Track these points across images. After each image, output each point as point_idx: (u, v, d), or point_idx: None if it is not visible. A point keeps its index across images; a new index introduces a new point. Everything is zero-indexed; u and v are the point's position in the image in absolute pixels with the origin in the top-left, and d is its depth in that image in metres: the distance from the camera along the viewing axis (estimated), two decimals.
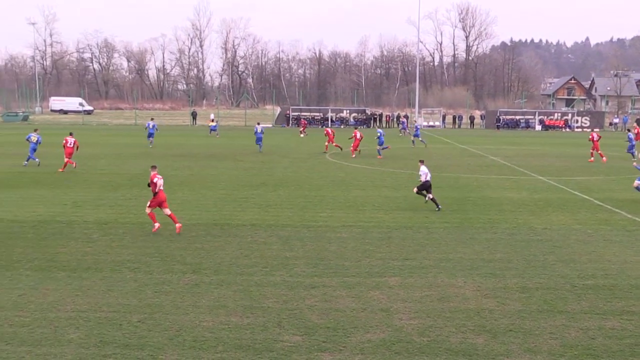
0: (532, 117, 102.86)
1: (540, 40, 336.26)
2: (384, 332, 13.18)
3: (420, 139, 59.89)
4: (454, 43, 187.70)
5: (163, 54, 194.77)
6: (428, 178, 27.24)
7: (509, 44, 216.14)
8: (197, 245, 20.16)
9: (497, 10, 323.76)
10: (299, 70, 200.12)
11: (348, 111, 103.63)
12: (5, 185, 32.54)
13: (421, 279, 16.84)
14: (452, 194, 30.65)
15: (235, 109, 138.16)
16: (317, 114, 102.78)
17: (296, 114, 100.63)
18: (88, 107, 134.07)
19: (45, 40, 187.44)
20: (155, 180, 22.19)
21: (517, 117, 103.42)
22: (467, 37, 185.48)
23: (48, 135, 68.74)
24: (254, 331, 13.14)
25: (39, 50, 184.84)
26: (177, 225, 22.08)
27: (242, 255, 19.05)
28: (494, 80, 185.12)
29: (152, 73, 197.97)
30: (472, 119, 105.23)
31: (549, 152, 57.46)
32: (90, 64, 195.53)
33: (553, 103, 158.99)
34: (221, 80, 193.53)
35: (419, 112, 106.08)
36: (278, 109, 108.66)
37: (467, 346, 12.54)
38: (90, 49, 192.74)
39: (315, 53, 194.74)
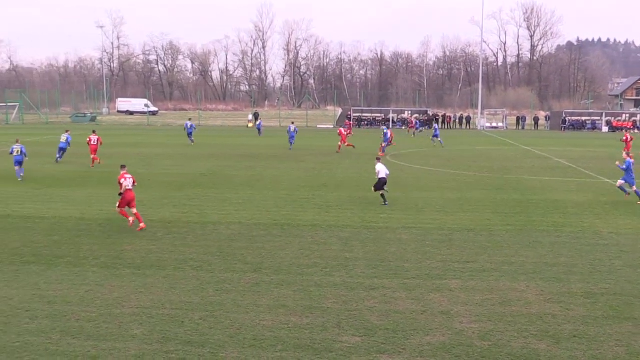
0: (598, 118, 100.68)
1: (608, 40, 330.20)
2: (444, 336, 13.10)
3: (439, 139, 59.82)
4: (518, 43, 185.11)
5: (226, 55, 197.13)
6: (383, 175, 28.11)
7: (575, 43, 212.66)
8: (258, 245, 20.32)
9: (563, 9, 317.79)
10: (361, 71, 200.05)
11: (409, 112, 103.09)
12: (74, 184, 33.29)
13: (482, 282, 16.68)
14: (515, 196, 30.27)
15: (297, 110, 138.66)
16: (379, 115, 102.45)
17: (357, 114, 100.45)
18: (153, 108, 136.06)
19: (112, 43, 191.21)
20: (122, 180, 22.72)
21: (583, 118, 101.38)
22: (531, 36, 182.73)
23: (115, 137, 70.06)
24: (314, 331, 13.19)
25: (107, 53, 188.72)
26: (141, 225, 22.57)
27: (302, 255, 19.14)
28: (559, 80, 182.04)
29: (215, 74, 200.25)
30: (536, 120, 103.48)
31: (616, 154, 56.28)
32: (156, 66, 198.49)
33: (621, 104, 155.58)
34: (283, 81, 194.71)
35: (482, 113, 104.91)
36: (339, 110, 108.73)
37: (529, 352, 12.37)
38: (156, 51, 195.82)
39: (377, 54, 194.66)
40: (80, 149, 53.18)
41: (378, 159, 29.50)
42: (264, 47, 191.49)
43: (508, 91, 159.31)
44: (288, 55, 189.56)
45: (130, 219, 22.94)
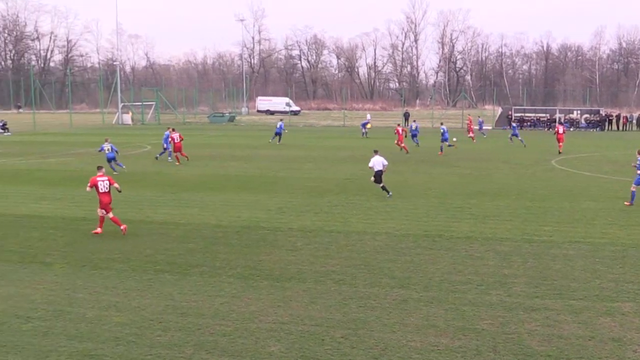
0: None
1: None
2: None
3: (448, 143, 58.11)
4: None
5: (375, 50, 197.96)
6: (380, 168, 31.60)
7: None
8: (406, 258, 20.27)
9: None
10: (524, 66, 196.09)
11: (579, 112, 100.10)
12: (209, 189, 34.33)
13: None
14: None
15: (452, 110, 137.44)
16: (543, 114, 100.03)
17: (519, 114, 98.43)
18: (295, 108, 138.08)
19: (253, 38, 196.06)
20: (97, 182, 23.41)
21: None
22: None
23: (254, 138, 71.62)
24: (466, 355, 13.03)
25: (247, 48, 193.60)
26: (122, 227, 23.40)
27: (454, 270, 18.95)
28: None
29: (362, 71, 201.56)
30: None
31: None
32: (299, 62, 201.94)
33: None
34: (436, 77, 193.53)
35: None
36: (499, 110, 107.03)
37: None
38: (299, 46, 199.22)
39: (542, 47, 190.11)
40: (221, 150, 54.78)
41: (376, 152, 32.50)
42: (416, 40, 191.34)
43: None
44: (442, 48, 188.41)
45: (123, 226, 23.50)
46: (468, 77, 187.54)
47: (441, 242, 22.37)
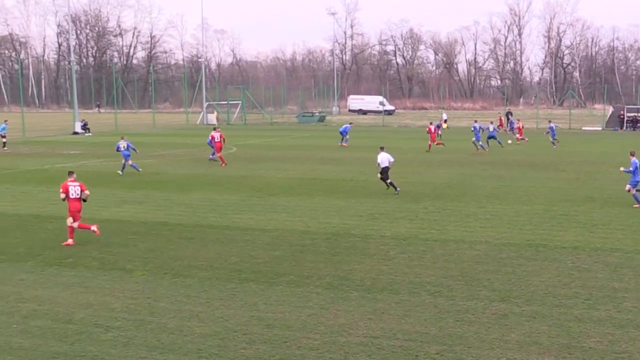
0: None
1: None
2: None
3: (481, 143, 58.87)
4: None
5: (475, 44, 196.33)
6: (386, 164, 33.96)
7: None
8: (507, 269, 20.05)
9: None
10: (638, 62, 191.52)
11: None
12: (297, 193, 34.56)
13: None
14: None
15: (558, 109, 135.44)
16: None
17: (632, 114, 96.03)
18: (389, 107, 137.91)
19: (345, 32, 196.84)
20: (68, 188, 23.34)
21: None
22: None
23: (349, 138, 71.71)
24: None
25: (339, 44, 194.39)
26: (93, 227, 23.72)
27: (560, 283, 18.66)
28: None
29: (461, 67, 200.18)
30: None
31: None
32: (393, 58, 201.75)
33: None
34: (542, 74, 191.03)
35: None
36: (610, 109, 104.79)
37: None
38: (394, 41, 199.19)
39: None
40: (291, 153, 55.11)
41: (382, 148, 35.07)
42: (519, 34, 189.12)
43: None
44: (549, 43, 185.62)
45: (94, 227, 23.74)
46: (576, 74, 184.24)
47: (545, 253, 22.06)
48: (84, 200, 23.97)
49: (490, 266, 20.42)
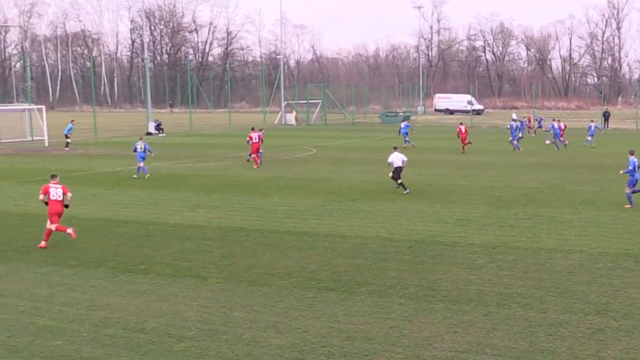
0: None
1: None
2: None
3: (516, 144, 59.91)
4: None
5: (570, 39, 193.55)
6: (399, 164, 35.56)
7: None
8: (604, 281, 19.74)
9: None
10: None
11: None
12: (380, 197, 34.52)
13: None
14: None
15: None
16: None
17: None
18: (478, 106, 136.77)
19: (431, 27, 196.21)
20: (49, 189, 24.19)
21: None
22: None
23: (429, 140, 71.45)
24: None
25: (424, 39, 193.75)
26: (69, 230, 24.29)
27: None
28: None
29: (555, 64, 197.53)
30: None
31: None
32: (482, 54, 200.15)
33: None
34: None
35: None
36: None
37: None
38: (483, 36, 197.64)
39: None
40: (373, 155, 55.01)
41: (395, 148, 37.01)
42: (618, 28, 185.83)
43: None
44: None
45: (70, 229, 24.31)
46: None
47: None
48: (66, 206, 24.74)
49: (585, 277, 20.13)
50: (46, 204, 24.39)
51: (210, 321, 16.51)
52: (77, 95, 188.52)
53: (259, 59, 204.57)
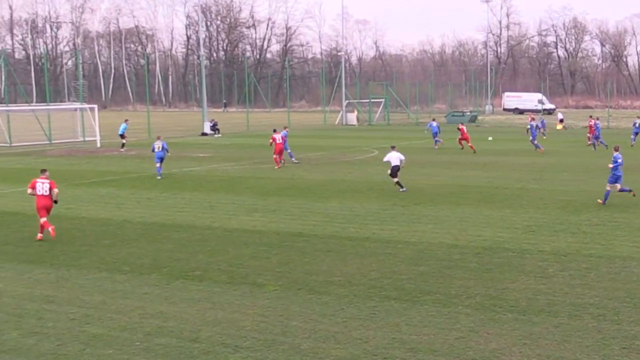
0: None
1: None
2: None
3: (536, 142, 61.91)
4: None
5: None
6: (397, 163, 37.53)
7: None
8: None
9: None
10: None
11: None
12: (445, 201, 34.40)
13: None
14: None
15: None
16: None
17: None
18: (549, 105, 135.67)
19: (500, 22, 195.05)
20: (35, 184, 26.32)
21: None
22: None
23: (498, 142, 71.07)
24: None
25: (493, 35, 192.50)
26: (50, 228, 26.11)
27: None
28: None
29: (632, 60, 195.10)
30: None
31: None
32: (554, 50, 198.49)
33: None
34: None
35: None
36: None
37: None
38: (555, 31, 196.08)
39: None
40: (437, 157, 54.83)
41: (392, 147, 39.08)
42: None
43: None
44: None
45: (51, 227, 26.14)
46: None
47: None
48: (55, 202, 26.76)
49: None
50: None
51: (267, 330, 16.58)
52: (130, 93, 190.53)
53: (319, 56, 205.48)
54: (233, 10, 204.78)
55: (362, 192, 37.56)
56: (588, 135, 67.32)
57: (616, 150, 32.38)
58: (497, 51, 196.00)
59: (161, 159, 44.01)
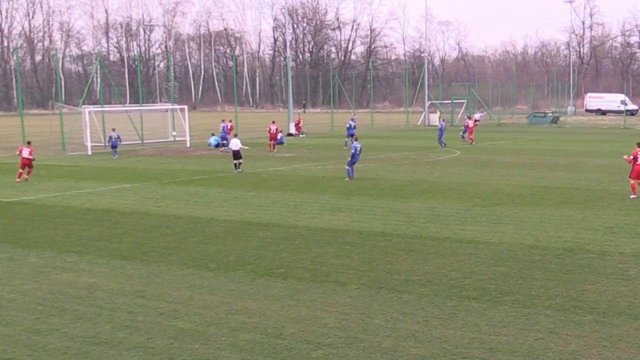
0: None
1: None
2: None
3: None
4: None
5: None
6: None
7: None
8: None
9: None
10: None
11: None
12: (526, 202, 34.02)
13: None
14: None
15: None
16: None
17: None
18: (632, 106, 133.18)
19: (583, 22, 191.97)
20: (22, 150, 43.31)
21: None
22: None
23: (579, 142, 70.21)
24: None
25: (576, 35, 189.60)
26: (26, 176, 43.66)
27: None
28: None
29: None
30: None
31: None
32: (638, 51, 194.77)
33: None
34: None
35: None
36: None
37: None
38: (639, 31, 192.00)
39: None
40: (520, 158, 54.25)
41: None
42: None
43: None
44: None
45: (19, 180, 42.33)
46: None
47: None
48: (33, 159, 43.51)
49: None
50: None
51: (348, 328, 16.63)
52: (219, 95, 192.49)
53: (402, 57, 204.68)
54: (319, 12, 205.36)
55: (443, 193, 37.37)
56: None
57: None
58: (579, 52, 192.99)
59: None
